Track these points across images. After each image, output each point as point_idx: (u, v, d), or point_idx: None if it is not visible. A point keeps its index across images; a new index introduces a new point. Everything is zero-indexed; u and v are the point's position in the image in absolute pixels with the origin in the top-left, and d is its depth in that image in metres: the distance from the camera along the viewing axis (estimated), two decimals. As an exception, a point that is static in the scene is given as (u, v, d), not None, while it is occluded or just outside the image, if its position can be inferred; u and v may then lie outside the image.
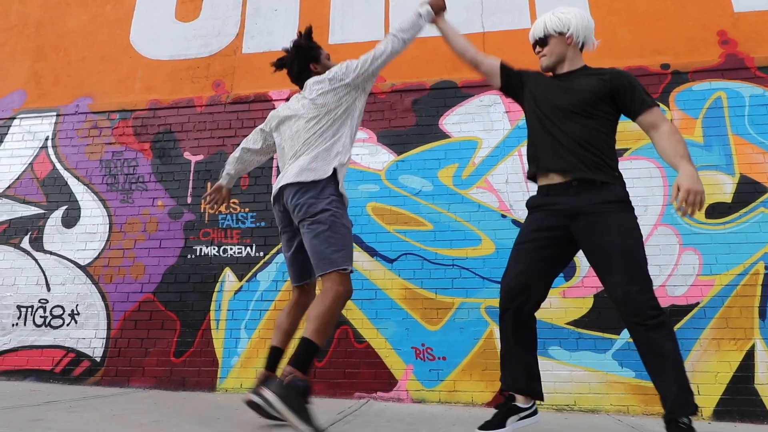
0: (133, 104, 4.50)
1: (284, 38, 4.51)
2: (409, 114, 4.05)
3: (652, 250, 3.47)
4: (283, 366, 2.13)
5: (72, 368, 3.92)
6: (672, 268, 3.43)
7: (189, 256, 4.02)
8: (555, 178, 2.05)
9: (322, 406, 3.06)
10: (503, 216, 3.70)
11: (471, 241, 3.69)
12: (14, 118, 4.68)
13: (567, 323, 3.43)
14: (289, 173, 2.23)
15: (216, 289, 3.90)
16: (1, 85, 4.87)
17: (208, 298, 3.89)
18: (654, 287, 3.36)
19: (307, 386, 2.01)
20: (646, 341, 1.86)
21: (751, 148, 3.58)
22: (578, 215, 1.98)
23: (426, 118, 4.02)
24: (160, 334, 3.88)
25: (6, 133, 4.64)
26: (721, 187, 3.53)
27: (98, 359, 3.91)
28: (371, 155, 4.00)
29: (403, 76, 4.18)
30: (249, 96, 4.35)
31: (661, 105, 3.68)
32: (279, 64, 2.58)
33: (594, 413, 3.22)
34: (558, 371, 3.36)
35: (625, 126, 3.70)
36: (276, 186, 2.30)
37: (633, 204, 3.55)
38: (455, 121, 3.96)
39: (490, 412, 3.10)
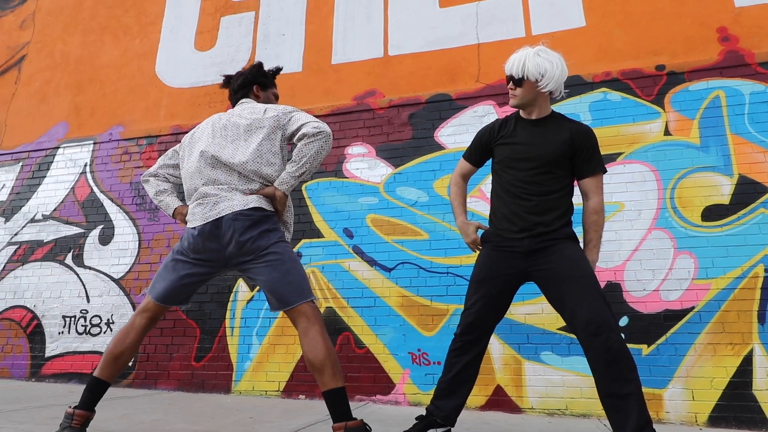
0: (158, 130, 4.92)
1: (291, 60, 4.81)
2: (405, 128, 4.22)
3: (645, 255, 3.48)
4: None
5: (108, 372, 4.35)
6: (666, 272, 3.41)
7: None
8: (515, 225, 2.17)
9: (317, 408, 3.28)
10: (496, 224, 3.78)
11: (465, 249, 3.79)
12: (58, 148, 5.23)
13: (559, 329, 3.48)
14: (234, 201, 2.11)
15: (230, 299, 4.21)
16: (47, 118, 5.45)
17: (223, 307, 4.22)
18: (648, 291, 3.38)
19: (365, 425, 1.91)
20: (614, 355, 1.89)
21: (750, 148, 3.49)
22: (531, 253, 2.12)
23: (422, 131, 4.17)
24: (183, 341, 4.24)
25: (52, 162, 5.19)
26: (719, 189, 3.46)
27: (130, 364, 4.32)
28: (370, 169, 4.19)
29: (400, 91, 4.35)
30: (259, 117, 4.65)
31: (656, 107, 3.70)
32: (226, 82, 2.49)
33: (585, 417, 3.26)
34: (550, 376, 3.42)
35: (618, 130, 3.73)
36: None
37: (627, 208, 3.59)
38: (450, 133, 4.09)
39: (482, 416, 3.23)
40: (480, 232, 2.36)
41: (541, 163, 2.15)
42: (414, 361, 3.68)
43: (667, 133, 3.65)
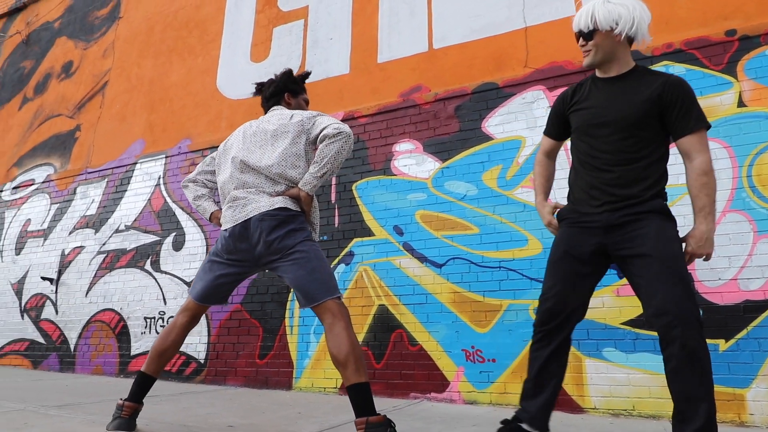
0: (219, 141, 5.20)
1: (338, 63, 4.89)
2: (452, 121, 4.14)
3: (721, 240, 3.15)
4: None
5: (184, 369, 4.67)
6: (745, 259, 3.06)
7: (267, 271, 4.53)
8: (595, 199, 1.97)
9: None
10: (550, 214, 3.60)
11: (517, 242, 3.65)
12: (136, 163, 5.69)
13: (622, 323, 3.24)
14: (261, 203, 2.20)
15: (289, 299, 4.36)
16: (127, 136, 5.96)
17: (283, 307, 4.37)
18: (724, 281, 3.06)
19: (389, 421, 1.94)
20: (688, 354, 1.70)
21: None
22: (612, 228, 1.90)
23: (469, 122, 4.06)
24: (248, 339, 4.45)
25: (131, 176, 5.67)
26: (807, 163, 3.06)
27: (202, 361, 4.61)
28: (418, 165, 4.16)
29: (445, 83, 4.27)
30: (310, 121, 4.78)
31: (727, 77, 3.34)
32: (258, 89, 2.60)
33: (654, 419, 3.01)
34: (614, 374, 3.19)
35: (683, 105, 3.40)
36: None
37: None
38: (498, 122, 3.95)
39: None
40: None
41: (621, 127, 1.89)
42: (468, 359, 3.59)
43: (741, 104, 3.28)
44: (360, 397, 1.92)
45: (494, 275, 3.67)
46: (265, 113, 2.51)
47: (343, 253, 4.25)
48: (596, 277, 2.01)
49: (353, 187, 4.37)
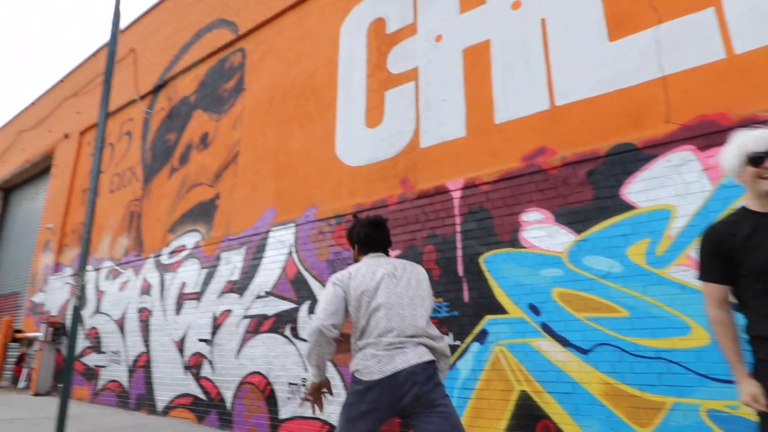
0: (343, 209, 5.37)
1: (454, 126, 4.77)
2: (585, 187, 3.81)
3: None
4: None
5: (328, 437, 4.89)
6: None
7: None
8: None
9: None
10: (716, 298, 3.14)
11: (677, 329, 3.24)
12: (269, 231, 6.10)
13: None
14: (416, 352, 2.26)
15: (424, 376, 4.33)
16: (259, 204, 6.41)
17: (418, 384, 4.36)
18: None
19: None
20: None
21: None
22: None
23: (604, 189, 3.71)
24: (386, 414, 4.51)
25: (266, 244, 6.08)
26: None
27: (345, 432, 4.77)
28: (550, 237, 3.89)
29: (573, 145, 3.95)
30: (430, 190, 4.72)
31: None
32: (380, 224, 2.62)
33: None
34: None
35: None
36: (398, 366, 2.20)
37: None
38: (640, 189, 3.56)
39: None
40: None
41: None
42: (627, 460, 3.27)
43: None
44: None
45: (652, 366, 3.30)
46: (365, 252, 2.53)
47: (475, 330, 4.12)
48: None
49: (480, 260, 4.23)
